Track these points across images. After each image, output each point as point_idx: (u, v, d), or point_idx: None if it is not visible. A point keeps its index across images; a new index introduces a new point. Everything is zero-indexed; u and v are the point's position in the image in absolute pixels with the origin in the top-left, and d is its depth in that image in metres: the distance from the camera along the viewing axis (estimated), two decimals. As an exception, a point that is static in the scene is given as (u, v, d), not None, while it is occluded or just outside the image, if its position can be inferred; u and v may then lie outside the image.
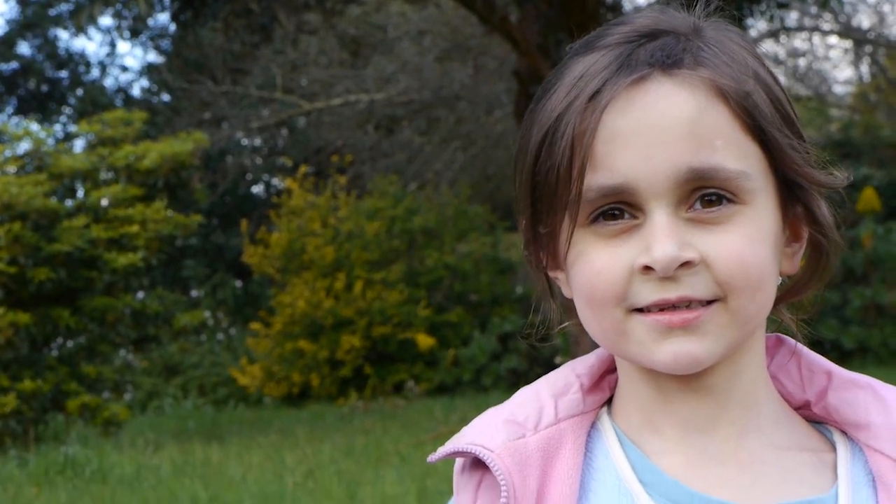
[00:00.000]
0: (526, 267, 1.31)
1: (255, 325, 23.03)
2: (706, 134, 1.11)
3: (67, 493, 11.06)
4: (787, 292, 1.20)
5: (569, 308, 1.27)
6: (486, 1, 15.82)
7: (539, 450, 1.18)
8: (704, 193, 1.11)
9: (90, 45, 34.59)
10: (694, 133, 1.10)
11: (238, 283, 26.08)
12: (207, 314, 24.23)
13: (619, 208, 1.13)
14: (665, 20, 1.18)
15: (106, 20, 31.79)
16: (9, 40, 35.84)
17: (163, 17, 28.12)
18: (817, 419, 1.28)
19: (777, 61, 30.17)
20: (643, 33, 1.16)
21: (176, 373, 23.28)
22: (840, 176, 1.19)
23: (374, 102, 25.85)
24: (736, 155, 1.11)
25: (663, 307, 1.11)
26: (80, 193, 16.64)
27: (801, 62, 30.23)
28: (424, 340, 21.37)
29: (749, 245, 1.11)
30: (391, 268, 21.80)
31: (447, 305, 21.81)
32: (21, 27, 35.94)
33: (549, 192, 1.16)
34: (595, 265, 1.14)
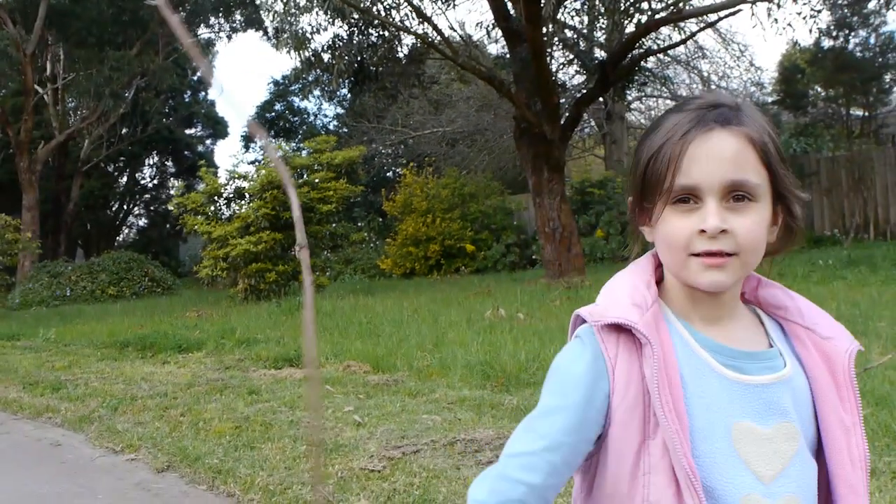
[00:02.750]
0: (629, 220, 1.28)
1: (388, 240, 23.04)
2: (742, 162, 1.12)
3: (298, 321, 11.09)
4: (770, 251, 1.19)
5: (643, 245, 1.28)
6: (500, 81, 15.58)
7: (652, 323, 1.15)
8: (736, 194, 1.12)
9: (309, 105, 34.28)
10: (735, 161, 1.11)
11: (381, 220, 25.96)
12: (366, 235, 24.21)
13: (689, 197, 1.13)
14: (721, 99, 1.17)
15: (317, 92, 31.57)
16: (271, 103, 35.64)
17: (344, 90, 27.92)
18: (746, 301, 1.26)
19: (641, 112, 29.79)
20: (710, 104, 1.16)
21: (350, 262, 23.23)
22: (805, 194, 1.21)
23: (445, 132, 25.64)
24: (756, 174, 1.12)
25: (708, 254, 1.11)
26: (305, 176, 16.62)
27: (653, 112, 29.79)
28: (469, 247, 21.24)
29: (756, 225, 1.12)
30: (453, 212, 21.63)
31: (480, 230, 21.66)
32: (275, 96, 35.72)
33: (653, 186, 1.16)
34: (674, 227, 1.14)
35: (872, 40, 17.11)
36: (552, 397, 1.19)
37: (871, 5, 16.72)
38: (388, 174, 30.82)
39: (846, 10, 16.79)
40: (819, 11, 16.58)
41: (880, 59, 16.96)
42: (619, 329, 1.16)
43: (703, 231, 1.12)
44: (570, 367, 1.19)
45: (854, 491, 1.15)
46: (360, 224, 26.15)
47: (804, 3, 16.38)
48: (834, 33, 17.07)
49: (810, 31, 17.23)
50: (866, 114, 17.58)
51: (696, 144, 1.13)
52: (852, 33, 17.11)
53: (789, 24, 29.76)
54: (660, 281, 1.25)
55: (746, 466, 1.12)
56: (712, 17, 16.50)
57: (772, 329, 1.23)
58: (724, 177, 1.11)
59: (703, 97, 1.19)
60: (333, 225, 17.48)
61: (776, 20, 18.01)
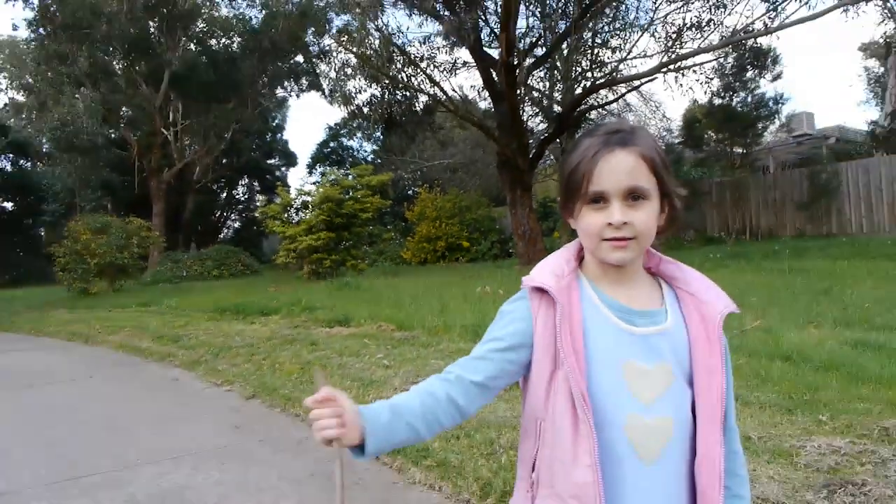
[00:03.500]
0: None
1: (409, 238, 22.98)
2: (636, 173, 1.10)
3: (346, 294, 11.07)
4: (659, 232, 1.15)
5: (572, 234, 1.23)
6: (487, 128, 15.55)
7: (565, 287, 1.14)
8: (633, 195, 1.10)
9: (353, 143, 34.40)
10: (631, 172, 1.10)
11: (403, 224, 25.79)
12: (393, 234, 24.13)
13: (599, 199, 1.11)
14: (621, 126, 1.14)
15: (359, 134, 31.50)
16: (327, 142, 35.44)
17: (378, 133, 27.86)
18: (652, 274, 1.23)
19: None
20: (613, 130, 1.13)
21: (382, 253, 23.09)
22: (683, 190, 1.17)
23: (449, 163, 25.56)
24: (646, 181, 1.10)
25: (615, 239, 1.10)
26: (351, 193, 16.46)
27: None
28: (465, 243, 21.21)
29: (648, 217, 1.10)
30: (454, 219, 21.60)
31: (473, 232, 21.60)
32: (329, 137, 35.57)
33: (573, 191, 1.13)
34: (589, 221, 1.12)
35: (749, 99, 17.10)
36: (493, 329, 1.21)
37: (748, 75, 16.78)
38: (408, 192, 30.71)
39: (731, 78, 16.82)
40: (711, 79, 16.61)
41: (755, 113, 16.95)
42: (542, 291, 1.16)
43: (610, 224, 1.11)
44: (508, 312, 1.21)
45: (709, 416, 1.14)
46: (388, 227, 26.05)
47: (701, 73, 16.38)
48: (722, 94, 17.06)
49: (705, 92, 17.31)
50: (744, 151, 17.53)
51: (604, 161, 1.11)
52: (735, 94, 17.10)
53: (690, 88, 29.64)
54: (583, 258, 1.24)
55: (631, 393, 1.12)
56: (636, 82, 16.53)
57: (667, 294, 1.21)
58: (624, 184, 1.10)
59: (608, 125, 1.18)
60: (370, 227, 17.41)
61: (681, 85, 18.03)
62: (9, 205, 31.23)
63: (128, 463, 3.65)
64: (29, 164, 33.38)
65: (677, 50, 15.33)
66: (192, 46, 26.03)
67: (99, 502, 3.08)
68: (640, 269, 1.22)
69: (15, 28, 39.35)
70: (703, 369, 1.15)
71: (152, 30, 23.91)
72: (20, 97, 32.00)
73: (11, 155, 32.69)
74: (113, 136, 27.03)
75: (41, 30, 21.35)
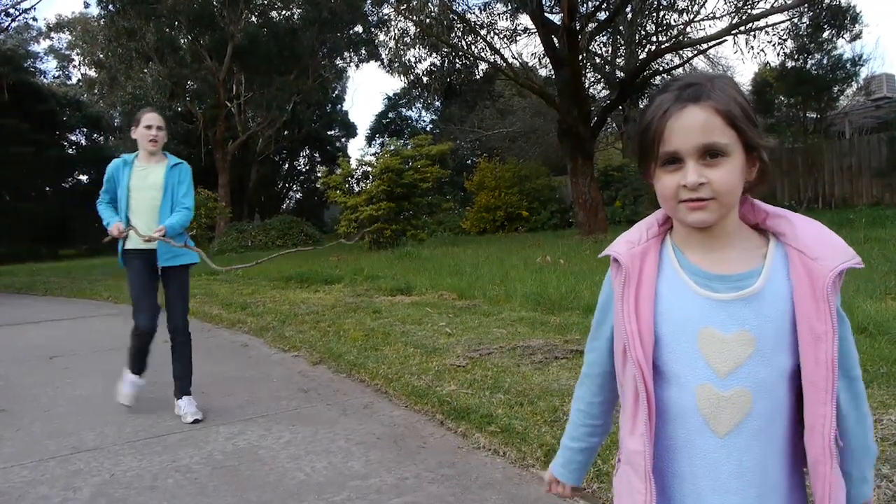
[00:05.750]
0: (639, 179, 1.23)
1: (468, 208, 22.95)
2: (710, 129, 1.04)
3: (406, 264, 11.16)
4: (752, 186, 1.11)
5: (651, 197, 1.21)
6: (548, 95, 15.31)
7: (640, 253, 1.12)
8: (709, 152, 1.04)
9: (412, 113, 34.30)
10: (704, 129, 1.04)
11: (462, 193, 25.71)
12: (452, 204, 24.11)
13: (674, 159, 1.06)
14: (696, 78, 1.08)
15: (418, 104, 31.42)
16: (385, 112, 35.63)
17: (437, 103, 27.75)
18: (761, 231, 1.15)
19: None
20: (686, 84, 1.08)
21: (441, 223, 23.08)
22: (770, 141, 1.14)
23: (508, 131, 25.30)
24: (723, 136, 1.04)
25: (691, 200, 1.05)
26: (411, 163, 16.47)
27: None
28: (524, 213, 21.06)
29: (728, 174, 1.05)
30: (513, 188, 21.42)
31: (532, 201, 21.41)
32: (388, 107, 35.71)
33: (646, 153, 1.10)
34: (664, 183, 1.08)
35: (825, 61, 16.30)
36: (597, 308, 1.25)
37: (824, 35, 15.97)
38: (467, 162, 30.61)
39: (805, 39, 16.04)
40: (785, 40, 15.90)
41: (830, 76, 16.16)
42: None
43: (685, 186, 1.06)
44: (602, 287, 1.24)
45: (816, 387, 1.05)
46: (448, 196, 26.04)
47: (774, 34, 15.69)
48: (795, 56, 16.30)
49: (777, 55, 16.47)
50: (818, 116, 16.77)
51: (674, 119, 1.06)
52: (809, 56, 16.32)
53: (762, 50, 28.56)
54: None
55: (706, 362, 1.07)
56: (704, 46, 15.98)
57: (775, 252, 1.13)
58: (697, 142, 1.05)
59: (683, 78, 1.12)
60: (430, 197, 17.41)
61: (752, 47, 17.31)
62: (84, 177, 32.57)
63: (205, 423, 3.83)
64: (102, 137, 34.65)
65: (748, 10, 14.70)
66: (254, 19, 26.37)
67: (180, 459, 3.26)
68: (733, 229, 1.14)
69: (86, 5, 40.53)
70: (808, 335, 1.07)
71: (215, 3, 24.32)
72: (92, 73, 33.19)
73: (86, 129, 34.04)
74: (179, 109, 27.78)
75: (110, 6, 21.97)
